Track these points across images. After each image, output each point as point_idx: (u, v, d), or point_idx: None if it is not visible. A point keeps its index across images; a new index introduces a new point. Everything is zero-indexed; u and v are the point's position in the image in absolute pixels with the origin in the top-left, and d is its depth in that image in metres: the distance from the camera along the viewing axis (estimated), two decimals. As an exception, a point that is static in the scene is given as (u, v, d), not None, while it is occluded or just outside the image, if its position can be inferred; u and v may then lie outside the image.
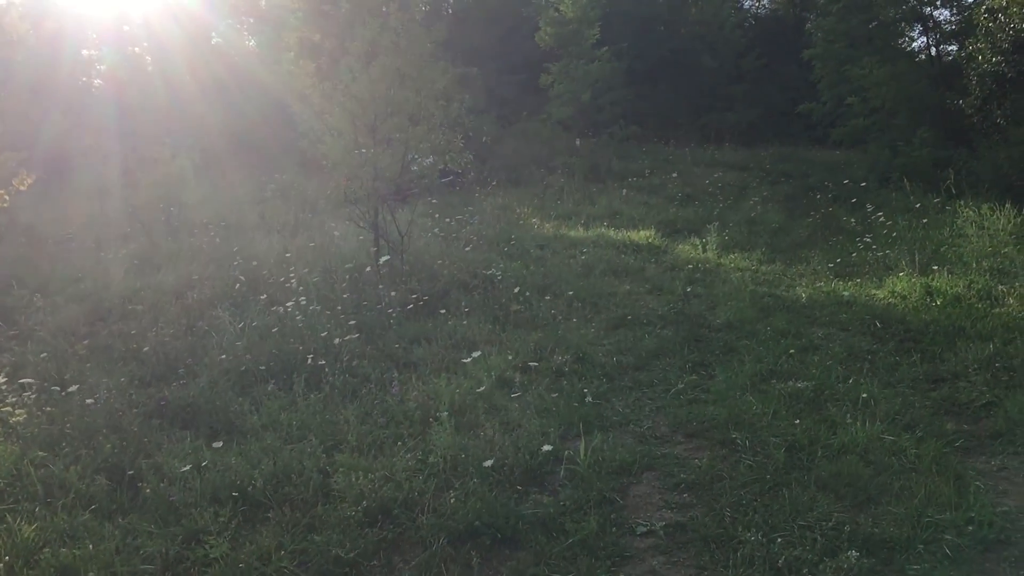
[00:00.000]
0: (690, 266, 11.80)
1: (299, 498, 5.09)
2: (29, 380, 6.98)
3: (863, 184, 16.85)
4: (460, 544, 4.55)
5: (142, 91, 25.87)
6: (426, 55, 10.73)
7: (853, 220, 14.43)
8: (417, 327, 8.77)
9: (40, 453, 5.70)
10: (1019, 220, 10.54)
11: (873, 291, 9.55)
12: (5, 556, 4.52)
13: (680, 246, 13.79)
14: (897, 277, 9.68)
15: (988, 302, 8.45)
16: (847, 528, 4.43)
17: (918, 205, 13.73)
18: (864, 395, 6.30)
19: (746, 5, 42.15)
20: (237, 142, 26.22)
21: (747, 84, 34.37)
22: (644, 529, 4.67)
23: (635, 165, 25.21)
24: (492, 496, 4.89)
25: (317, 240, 12.67)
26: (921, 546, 4.30)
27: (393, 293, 9.36)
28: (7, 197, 9.76)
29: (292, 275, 9.92)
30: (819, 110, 23.40)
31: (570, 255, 12.63)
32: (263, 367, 7.48)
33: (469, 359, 7.15)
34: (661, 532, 4.63)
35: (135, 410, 6.65)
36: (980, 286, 8.90)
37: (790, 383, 6.69)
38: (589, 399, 6.60)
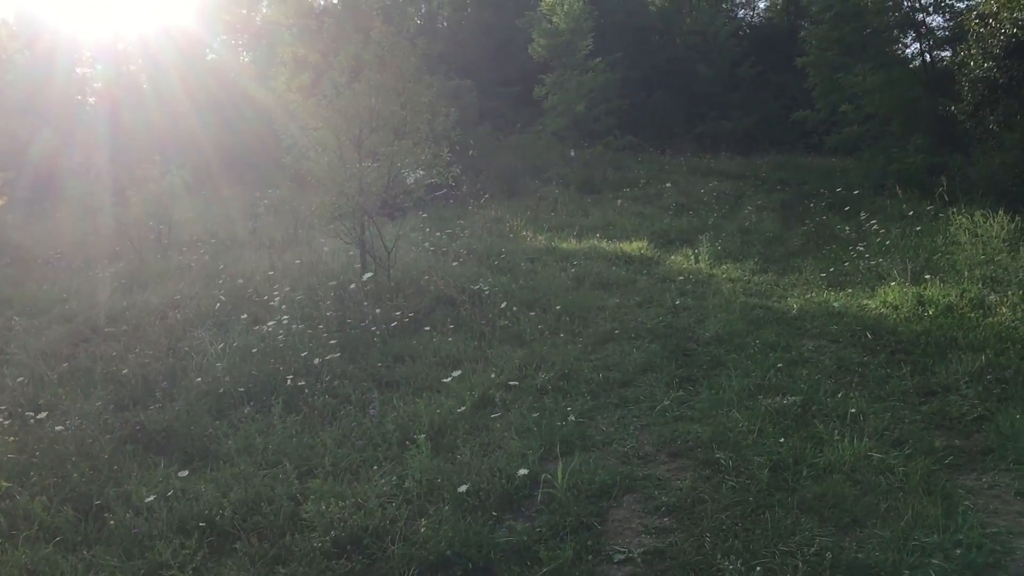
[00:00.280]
0: (681, 278, 11.67)
1: (268, 528, 4.94)
2: (1, 407, 6.85)
3: (858, 192, 16.73)
4: (431, 575, 4.41)
5: (136, 108, 25.92)
6: (411, 69, 10.62)
7: (848, 228, 14.29)
8: (402, 344, 8.63)
9: (5, 484, 5.56)
10: (1013, 227, 10.39)
11: (865, 301, 9.40)
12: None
13: (673, 257, 13.65)
14: (889, 287, 9.53)
15: (981, 311, 8.30)
16: (830, 554, 4.27)
17: (911, 213, 13.58)
18: (853, 410, 6.15)
19: (740, 14, 42.20)
20: (232, 158, 26.16)
21: (742, 92, 34.34)
22: (621, 556, 4.51)
23: (630, 175, 25.12)
24: (466, 523, 4.74)
25: (305, 257, 12.52)
26: (907, 572, 4.14)
27: (378, 310, 9.22)
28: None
29: (276, 293, 9.79)
30: (814, 118, 23.31)
31: (561, 268, 12.48)
32: (242, 389, 7.34)
33: (449, 378, 7.00)
34: (639, 559, 4.48)
35: (108, 436, 6.51)
36: (973, 295, 8.75)
37: (777, 398, 6.52)
38: (572, 418, 6.44)
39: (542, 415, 6.46)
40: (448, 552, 4.48)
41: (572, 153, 26.34)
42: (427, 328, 8.93)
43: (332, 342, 8.12)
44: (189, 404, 7.12)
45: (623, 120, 28.66)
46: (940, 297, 8.84)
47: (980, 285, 9.11)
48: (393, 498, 5.19)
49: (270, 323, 8.52)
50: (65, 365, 8.81)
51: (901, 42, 23.98)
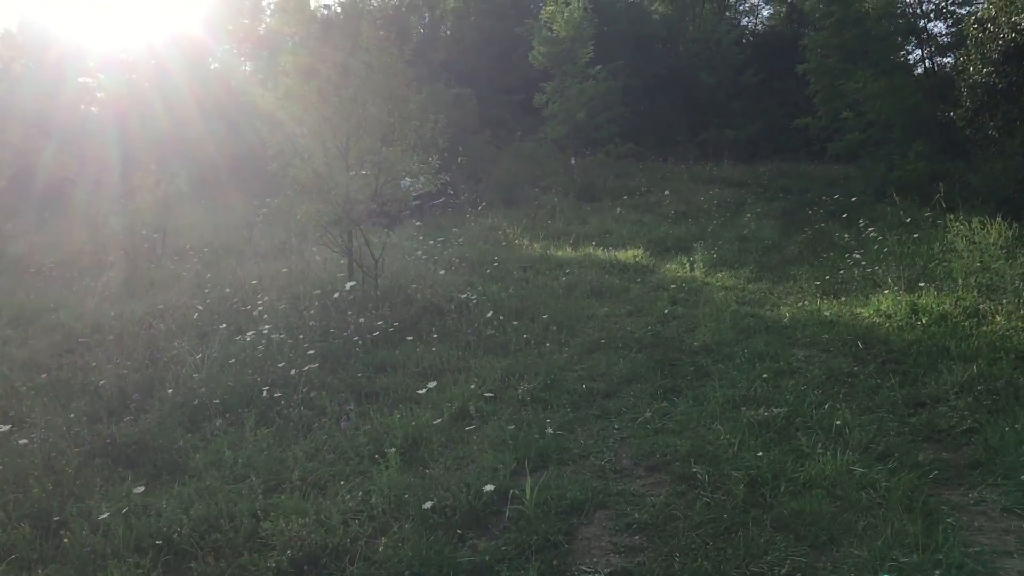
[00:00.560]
0: (673, 286, 11.50)
1: (227, 546, 4.78)
2: (-30, 420, 6.73)
3: (859, 199, 16.54)
4: (389, 596, 4.25)
5: (138, 118, 25.92)
6: (399, 75, 10.49)
7: (847, 236, 14.10)
8: (385, 354, 8.49)
9: (-37, 500, 5.43)
10: (1011, 234, 10.19)
11: (858, 310, 9.21)
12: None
13: (668, 265, 13.49)
14: (883, 295, 9.34)
15: (975, 320, 8.10)
16: (801, 575, 4.10)
17: (908, 220, 13.39)
18: (838, 422, 5.97)
19: (744, 21, 42.11)
20: (235, 166, 26.13)
21: (746, 100, 34.26)
22: (587, 577, 4.35)
23: (631, 183, 25.00)
24: (428, 542, 4.57)
25: (295, 266, 12.39)
26: (882, 593, 3.97)
27: (361, 320, 9.08)
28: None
29: (260, 303, 9.66)
30: (815, 124, 23.15)
31: (553, 276, 12.33)
32: (217, 401, 7.20)
33: (425, 390, 6.85)
34: (606, 580, 4.31)
35: (77, 449, 6.37)
36: (967, 303, 8.56)
37: (761, 410, 6.35)
38: (550, 431, 6.27)
39: (519, 428, 6.29)
40: (407, 573, 4.33)
41: (573, 161, 26.24)
42: (410, 338, 8.77)
43: (310, 352, 7.98)
44: (162, 416, 6.99)
45: (625, 128, 28.55)
46: (934, 305, 8.65)
47: (975, 293, 8.91)
48: (358, 514, 5.03)
49: (250, 333, 8.39)
50: (44, 376, 8.70)
51: (903, 48, 23.78)
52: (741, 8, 42.99)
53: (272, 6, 35.29)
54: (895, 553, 4.24)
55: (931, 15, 22.08)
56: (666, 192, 22.28)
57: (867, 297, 9.66)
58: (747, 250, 14.45)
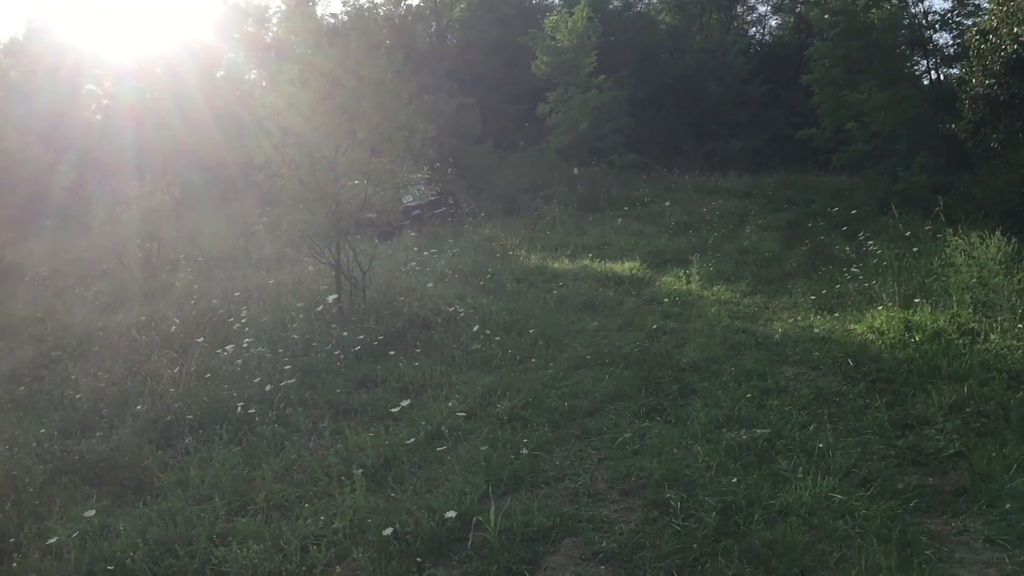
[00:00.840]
0: (667, 299, 11.32)
1: (181, 572, 4.64)
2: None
3: (862, 211, 16.32)
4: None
5: (143, 125, 25.89)
6: (388, 85, 10.36)
7: (848, 248, 13.86)
8: (366, 369, 8.35)
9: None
10: (1010, 249, 9.98)
11: (852, 326, 9.01)
12: None
13: (665, 278, 13.30)
14: (877, 311, 9.14)
15: (969, 338, 7.90)
16: (766, 611, 3.93)
17: (908, 233, 13.17)
18: (821, 445, 5.80)
19: (751, 32, 41.93)
20: (236, 174, 26.04)
21: (752, 110, 34.01)
22: (548, 609, 4.18)
23: (634, 193, 24.83)
24: (385, 571, 4.42)
25: (285, 277, 12.27)
26: (852, 631, 3.79)
27: (345, 333, 8.94)
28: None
29: (244, 315, 9.53)
30: (820, 136, 22.90)
31: (547, 289, 12.16)
32: (191, 416, 7.07)
33: (398, 408, 6.69)
34: (566, 613, 4.15)
35: (43, 466, 6.25)
36: (962, 320, 8.35)
37: (743, 432, 6.16)
38: (525, 452, 6.11)
39: (493, 448, 6.13)
40: (360, 603, 4.17)
41: (575, 171, 26.06)
42: (392, 352, 8.62)
43: (287, 367, 7.83)
44: (134, 433, 6.86)
45: (630, 138, 28.33)
46: (928, 322, 8.44)
47: (971, 310, 8.70)
48: (319, 539, 4.88)
49: (228, 347, 8.25)
50: (22, 388, 8.60)
51: (909, 59, 23.55)
52: (748, 19, 42.81)
53: (279, 14, 35.40)
54: (868, 587, 4.06)
55: (936, 26, 21.81)
56: (667, 203, 22.06)
57: (862, 313, 9.46)
58: (746, 263, 14.24)
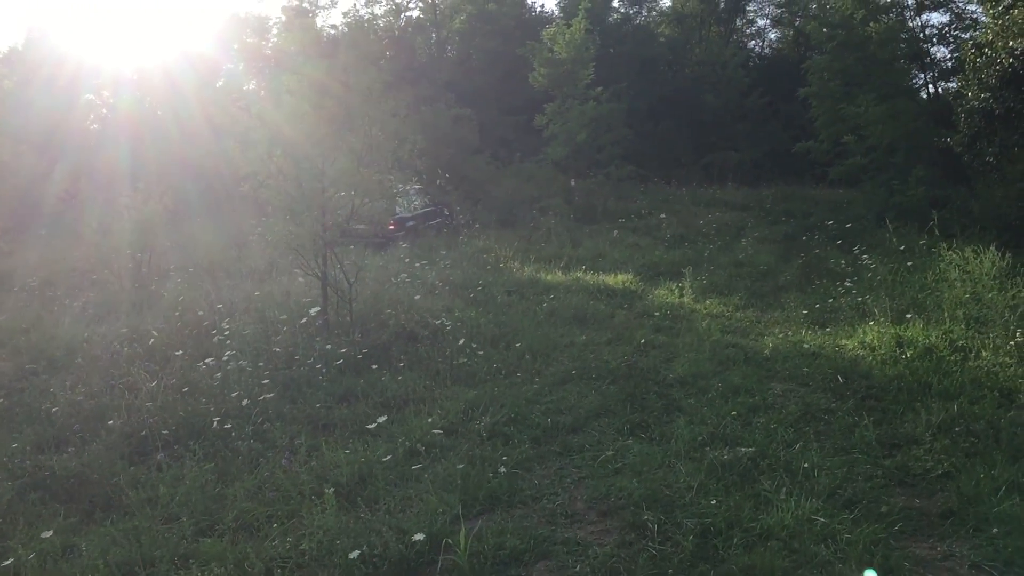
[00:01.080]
0: (658, 313, 11.19)
1: (140, 594, 4.50)
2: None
3: (850, 225, 16.21)
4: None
5: (141, 134, 25.84)
6: (377, 95, 10.26)
7: (843, 262, 13.75)
8: (349, 383, 8.21)
9: None
10: (1004, 263, 9.84)
11: (843, 341, 8.88)
12: None
13: (657, 291, 13.16)
14: (868, 326, 9.01)
15: (960, 354, 7.77)
16: (740, 642, 3.78)
17: (902, 247, 13.04)
18: (806, 464, 5.65)
19: (750, 44, 41.94)
20: (233, 184, 25.96)
21: (750, 123, 33.97)
22: (516, 637, 4.04)
23: (632, 205, 24.73)
24: (349, 595, 4.28)
25: (272, 288, 12.15)
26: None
27: (328, 346, 8.80)
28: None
29: (227, 328, 9.41)
30: (817, 149, 22.80)
31: (537, 302, 12.03)
32: (167, 431, 6.94)
33: (375, 424, 6.56)
34: (534, 641, 4.00)
35: (11, 483, 6.12)
36: (954, 336, 8.22)
37: (726, 450, 6.02)
38: (503, 470, 5.97)
39: (471, 466, 5.99)
40: (320, 630, 4.03)
41: (573, 183, 25.97)
42: (375, 366, 8.48)
43: (265, 382, 7.70)
44: (107, 448, 6.72)
45: (628, 150, 28.24)
46: (920, 338, 8.32)
47: (963, 326, 8.56)
48: (286, 562, 4.74)
49: (208, 359, 8.12)
50: (2, 401, 8.46)
51: (907, 73, 23.47)
52: (748, 32, 42.83)
53: (278, 25, 35.43)
54: (847, 616, 3.92)
55: (934, 40, 21.74)
56: (662, 215, 21.95)
57: (854, 328, 9.32)
58: (740, 276, 14.11)
